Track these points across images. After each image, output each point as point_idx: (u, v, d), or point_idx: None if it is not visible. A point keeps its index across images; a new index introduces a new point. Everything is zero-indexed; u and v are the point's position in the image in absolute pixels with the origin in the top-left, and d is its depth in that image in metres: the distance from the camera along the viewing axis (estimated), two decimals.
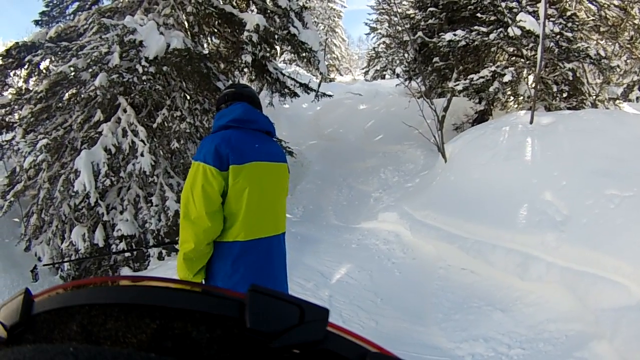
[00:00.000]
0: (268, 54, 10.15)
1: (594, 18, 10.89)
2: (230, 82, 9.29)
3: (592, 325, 4.06)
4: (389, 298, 5.43)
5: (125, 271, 7.98)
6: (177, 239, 2.75)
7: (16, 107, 8.79)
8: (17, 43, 8.42)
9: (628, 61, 12.08)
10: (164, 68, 7.75)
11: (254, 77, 10.34)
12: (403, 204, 7.96)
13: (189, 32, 8.87)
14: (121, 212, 8.02)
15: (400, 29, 14.61)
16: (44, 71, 8.71)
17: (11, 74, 9.13)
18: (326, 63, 13.93)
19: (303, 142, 14.52)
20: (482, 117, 12.54)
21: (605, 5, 10.89)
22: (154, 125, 7.97)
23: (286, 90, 10.59)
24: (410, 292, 5.59)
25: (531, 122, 7.31)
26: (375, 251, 6.90)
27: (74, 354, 0.52)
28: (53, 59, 8.60)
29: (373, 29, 23.63)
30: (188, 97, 8.66)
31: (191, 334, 0.57)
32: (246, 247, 2.60)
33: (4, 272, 7.77)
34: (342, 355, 0.58)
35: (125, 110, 7.79)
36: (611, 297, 4.08)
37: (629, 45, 11.31)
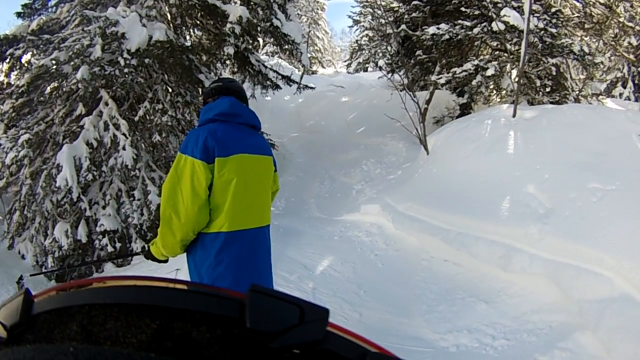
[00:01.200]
0: (250, 46, 10.13)
1: (578, 15, 10.97)
2: (213, 74, 9.28)
3: (575, 316, 4.11)
4: (372, 290, 5.45)
5: (109, 267, 7.91)
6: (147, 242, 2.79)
7: None
8: None
9: (612, 58, 12.19)
10: (146, 60, 7.66)
11: (236, 69, 10.32)
12: (385, 196, 7.99)
13: (171, 24, 8.79)
14: (104, 207, 7.92)
15: (383, 22, 14.58)
16: (26, 65, 8.54)
17: None
18: (309, 55, 13.90)
19: (285, 134, 14.48)
20: (463, 111, 12.58)
21: (591, 3, 10.99)
22: (136, 119, 7.88)
23: (268, 82, 10.58)
24: (393, 284, 5.62)
25: (514, 116, 7.36)
26: (358, 243, 6.91)
27: (74, 354, 0.53)
28: (35, 52, 8.43)
29: (356, 22, 23.58)
30: (170, 90, 8.59)
31: (191, 334, 0.57)
32: (230, 238, 2.62)
33: None
34: (342, 355, 0.58)
35: (107, 104, 7.69)
36: (594, 288, 4.13)
37: (613, 43, 11.45)
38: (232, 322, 0.58)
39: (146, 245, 3.07)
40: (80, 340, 0.58)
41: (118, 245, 7.94)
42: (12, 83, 8.43)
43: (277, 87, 10.79)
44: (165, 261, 2.92)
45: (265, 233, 2.90)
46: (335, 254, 6.51)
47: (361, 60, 28.06)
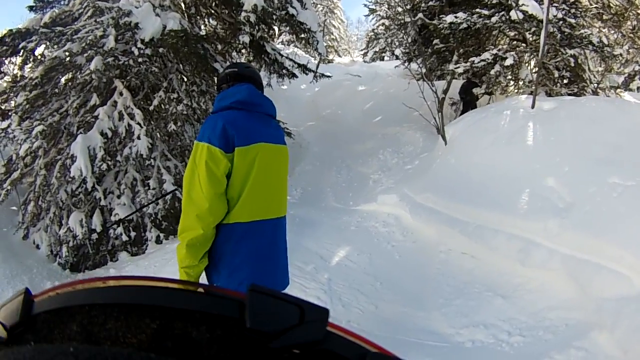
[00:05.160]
0: (266, 35, 10.05)
1: (597, 5, 10.77)
2: (228, 63, 9.21)
3: (593, 314, 4.02)
4: (388, 282, 5.41)
5: (123, 256, 7.95)
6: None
7: (12, 94, 8.71)
8: (10, 30, 8.38)
9: (630, 50, 11.96)
10: (160, 50, 7.69)
11: (251, 57, 10.25)
12: (403, 187, 7.91)
13: (185, 14, 8.77)
14: (118, 197, 8.00)
15: (400, 10, 14.46)
16: (39, 57, 8.66)
17: (6, 61, 9.05)
18: (325, 44, 13.80)
19: (301, 123, 14.39)
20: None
21: None
22: (151, 108, 7.91)
23: (284, 71, 10.51)
24: (410, 276, 5.56)
25: (533, 107, 7.24)
26: (375, 234, 6.85)
27: (74, 354, 0.53)
28: (48, 44, 8.52)
29: (372, 11, 23.34)
30: (185, 79, 8.59)
31: (191, 334, 0.57)
32: (248, 228, 2.58)
33: (3, 262, 7.67)
34: (342, 355, 0.58)
35: (121, 94, 7.74)
36: (613, 287, 4.04)
37: (631, 35, 11.21)
38: (232, 322, 0.58)
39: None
40: (80, 340, 0.59)
41: (133, 234, 8.02)
42: (26, 76, 8.51)
43: (294, 75, 10.71)
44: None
45: (283, 224, 2.87)
46: (351, 244, 6.48)
47: (377, 49, 27.90)
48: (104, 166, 7.51)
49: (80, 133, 7.43)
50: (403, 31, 15.09)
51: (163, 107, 8.07)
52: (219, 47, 9.54)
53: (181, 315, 0.59)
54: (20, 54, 8.56)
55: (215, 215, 2.48)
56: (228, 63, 9.03)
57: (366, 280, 5.42)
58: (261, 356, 0.55)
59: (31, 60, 8.75)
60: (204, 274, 2.70)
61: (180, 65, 8.55)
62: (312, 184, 10.21)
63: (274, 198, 2.75)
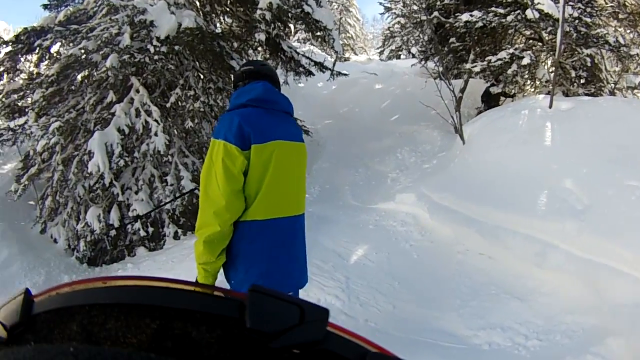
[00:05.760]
0: (282, 33, 10.04)
1: (612, 4, 10.67)
2: (245, 60, 9.23)
3: (609, 320, 3.99)
4: (406, 281, 5.39)
5: (141, 251, 8.01)
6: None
7: (28, 91, 8.88)
8: (25, 29, 8.51)
9: None
10: (176, 47, 7.70)
11: (268, 55, 10.27)
12: (421, 186, 7.85)
13: (200, 12, 8.81)
14: (136, 192, 8.09)
15: (415, 8, 14.39)
16: (55, 55, 8.77)
17: (22, 59, 9.17)
18: (341, 42, 13.80)
19: (319, 121, 14.34)
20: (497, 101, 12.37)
21: None
22: (168, 105, 7.97)
23: (301, 68, 10.50)
24: (427, 276, 5.53)
25: (550, 107, 7.19)
26: (393, 233, 6.80)
27: (74, 354, 0.53)
28: (63, 42, 8.66)
29: (387, 9, 23.23)
30: (201, 77, 8.62)
31: (191, 334, 0.57)
32: (265, 226, 2.57)
33: (21, 255, 7.82)
34: (342, 355, 0.59)
35: (137, 91, 7.80)
36: (629, 292, 4.01)
37: None
38: (232, 322, 0.58)
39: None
40: (80, 340, 0.59)
41: (151, 229, 8.10)
42: (42, 73, 8.61)
43: (310, 73, 10.69)
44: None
45: (301, 221, 2.84)
46: (369, 243, 6.45)
47: (393, 48, 27.77)
48: (122, 162, 7.59)
49: (97, 129, 7.50)
50: (419, 29, 15.05)
51: (180, 104, 8.11)
52: (235, 44, 9.56)
53: (181, 315, 0.60)
54: (36, 51, 8.67)
55: (232, 212, 2.48)
56: (244, 61, 9.07)
57: (384, 280, 5.41)
58: (261, 356, 0.56)
59: (47, 57, 8.89)
60: (221, 270, 2.70)
61: (197, 63, 8.59)
62: (330, 181, 10.17)
63: (292, 195, 2.73)
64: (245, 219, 2.54)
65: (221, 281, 2.71)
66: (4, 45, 8.85)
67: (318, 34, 9.99)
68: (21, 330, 0.62)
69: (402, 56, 26.99)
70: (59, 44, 8.82)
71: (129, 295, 0.65)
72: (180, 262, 6.52)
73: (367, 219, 7.43)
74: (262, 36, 8.69)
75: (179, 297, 0.64)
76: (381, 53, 30.52)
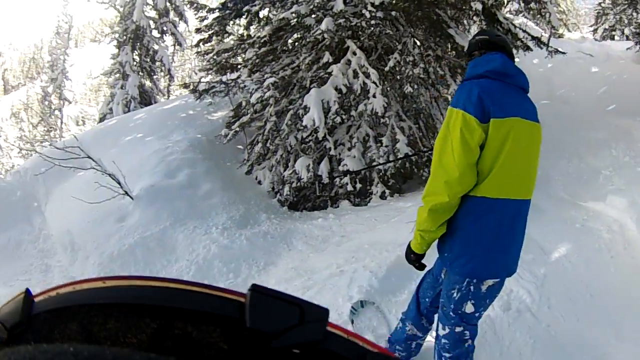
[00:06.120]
0: (497, 2, 9.67)
1: None
2: (462, 29, 9.09)
3: None
4: (599, 295, 4.89)
5: (344, 204, 8.37)
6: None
7: (239, 50, 9.44)
8: None
9: None
10: (393, 13, 7.77)
11: (484, 25, 9.95)
12: (634, 190, 7.17)
13: None
14: (349, 149, 8.32)
15: None
16: (264, 19, 9.31)
17: (230, 23, 9.90)
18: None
19: (535, 100, 13.48)
20: None
21: None
22: (386, 69, 8.00)
23: (518, 42, 10.03)
24: (620, 295, 4.93)
25: None
26: (597, 238, 6.19)
27: (74, 354, 0.54)
28: (271, 8, 9.15)
29: None
30: (419, 44, 8.58)
31: (191, 334, 0.59)
32: (494, 205, 2.51)
33: (223, 190, 8.41)
34: (342, 355, 0.60)
35: (354, 53, 7.94)
36: None
37: None
38: (232, 322, 0.59)
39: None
40: (80, 340, 0.61)
41: (358, 185, 8.32)
42: (252, 35, 9.18)
43: (528, 48, 10.13)
44: (421, 259, 2.85)
45: (527, 207, 2.77)
46: (573, 243, 6.00)
47: (607, 27, 25.57)
48: (338, 119, 7.87)
49: (314, 87, 7.80)
50: (632, 7, 13.68)
51: (398, 69, 8.13)
52: (450, 13, 9.37)
53: (181, 315, 0.61)
54: (244, 16, 9.30)
55: (464, 185, 2.44)
56: (461, 29, 8.91)
57: (577, 288, 5.01)
58: (261, 356, 0.57)
59: (255, 21, 9.46)
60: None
61: (413, 29, 8.56)
62: (541, 167, 9.64)
63: (524, 178, 2.65)
64: (475, 195, 2.50)
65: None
66: (212, 12, 9.67)
67: (532, 5, 9.53)
68: (21, 330, 0.64)
69: (616, 37, 24.74)
70: (267, 10, 9.30)
71: (129, 295, 0.66)
72: (383, 222, 6.61)
73: (575, 216, 6.93)
74: (478, 5, 8.43)
75: (179, 297, 0.65)
76: (595, 31, 28.14)
